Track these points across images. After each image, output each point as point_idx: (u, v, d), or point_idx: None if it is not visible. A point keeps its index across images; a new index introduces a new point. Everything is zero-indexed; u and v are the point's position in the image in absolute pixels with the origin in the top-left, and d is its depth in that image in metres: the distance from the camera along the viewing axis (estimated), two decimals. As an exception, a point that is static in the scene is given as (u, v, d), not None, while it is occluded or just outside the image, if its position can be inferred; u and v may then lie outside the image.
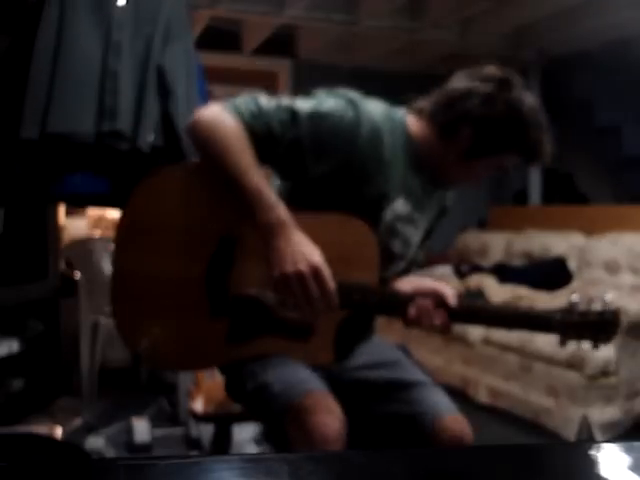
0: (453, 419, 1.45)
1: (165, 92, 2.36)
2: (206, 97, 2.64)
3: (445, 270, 4.32)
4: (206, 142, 1.33)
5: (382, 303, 1.40)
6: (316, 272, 1.27)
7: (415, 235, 1.51)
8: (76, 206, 4.15)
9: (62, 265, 3.26)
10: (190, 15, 3.27)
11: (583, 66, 4.71)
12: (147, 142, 2.31)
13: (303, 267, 1.26)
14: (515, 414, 3.26)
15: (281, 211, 1.29)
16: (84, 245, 3.56)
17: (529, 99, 1.41)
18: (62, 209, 4.07)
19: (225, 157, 1.30)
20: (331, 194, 1.38)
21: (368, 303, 1.38)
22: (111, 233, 3.95)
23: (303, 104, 1.36)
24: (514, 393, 3.29)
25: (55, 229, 3.03)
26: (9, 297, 2.60)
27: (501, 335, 3.43)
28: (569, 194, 5.19)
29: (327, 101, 1.38)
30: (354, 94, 1.41)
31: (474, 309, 1.46)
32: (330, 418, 1.28)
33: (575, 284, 3.73)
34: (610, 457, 0.86)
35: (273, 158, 1.37)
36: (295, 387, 1.33)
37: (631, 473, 0.80)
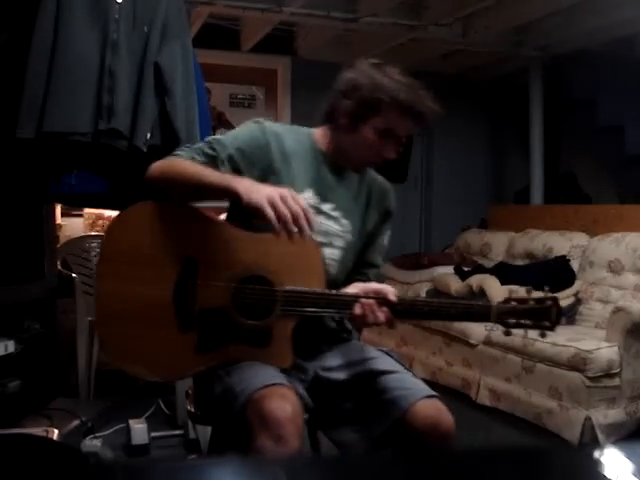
0: (426, 403, 1.53)
1: (163, 90, 2.34)
2: (204, 95, 2.61)
3: (447, 270, 4.30)
4: (162, 176, 1.58)
5: (330, 305, 1.56)
6: (292, 194, 1.45)
7: (331, 226, 1.68)
8: (73, 207, 4.14)
9: (59, 265, 3.23)
10: (188, 12, 3.25)
11: (585, 64, 4.69)
12: (144, 141, 2.28)
13: (282, 191, 1.45)
14: (517, 416, 3.24)
15: (241, 177, 1.53)
16: (81, 245, 3.53)
17: (395, 69, 1.64)
18: (59, 208, 4.05)
19: (181, 173, 1.55)
20: None
21: (319, 306, 1.54)
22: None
23: (222, 135, 1.67)
24: (516, 394, 3.27)
25: (51, 229, 3.01)
26: (5, 297, 2.58)
27: (503, 336, 3.40)
28: (572, 194, 5.17)
29: (239, 128, 1.70)
30: (258, 118, 1.72)
31: (415, 303, 1.62)
32: (282, 403, 1.40)
33: (578, 284, 3.71)
34: (613, 461, 0.85)
35: None
36: (253, 383, 1.45)
37: (635, 478, 0.79)
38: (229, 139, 1.62)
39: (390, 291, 1.55)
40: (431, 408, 1.52)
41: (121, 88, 2.26)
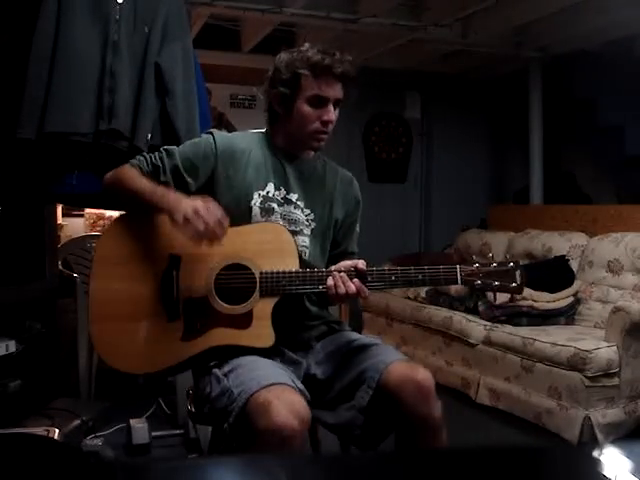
0: (399, 364, 1.62)
1: (163, 91, 2.34)
2: (205, 96, 2.62)
3: (446, 270, 4.29)
4: (111, 189, 1.73)
5: (305, 282, 1.64)
6: (205, 206, 1.57)
7: (299, 215, 1.78)
8: (74, 207, 4.14)
9: (60, 265, 3.23)
10: (189, 13, 3.25)
11: (585, 65, 4.69)
12: (145, 141, 2.29)
13: (197, 205, 1.57)
14: (516, 415, 3.24)
15: (170, 192, 1.64)
16: (82, 245, 3.53)
17: (306, 44, 1.74)
18: (60, 208, 4.05)
19: (124, 187, 1.69)
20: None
21: (294, 284, 1.64)
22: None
23: (173, 146, 1.78)
24: (515, 394, 3.27)
25: (53, 229, 3.01)
26: (6, 297, 2.57)
27: (502, 336, 3.41)
28: (572, 194, 5.17)
29: (190, 141, 1.83)
30: (210, 130, 1.83)
31: (383, 271, 1.66)
32: (289, 415, 1.40)
33: (577, 284, 3.71)
34: (612, 460, 0.85)
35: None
36: (251, 385, 1.48)
37: (633, 477, 0.79)
38: (180, 149, 1.75)
39: (360, 262, 1.64)
40: (404, 367, 1.61)
41: (122, 88, 2.26)
